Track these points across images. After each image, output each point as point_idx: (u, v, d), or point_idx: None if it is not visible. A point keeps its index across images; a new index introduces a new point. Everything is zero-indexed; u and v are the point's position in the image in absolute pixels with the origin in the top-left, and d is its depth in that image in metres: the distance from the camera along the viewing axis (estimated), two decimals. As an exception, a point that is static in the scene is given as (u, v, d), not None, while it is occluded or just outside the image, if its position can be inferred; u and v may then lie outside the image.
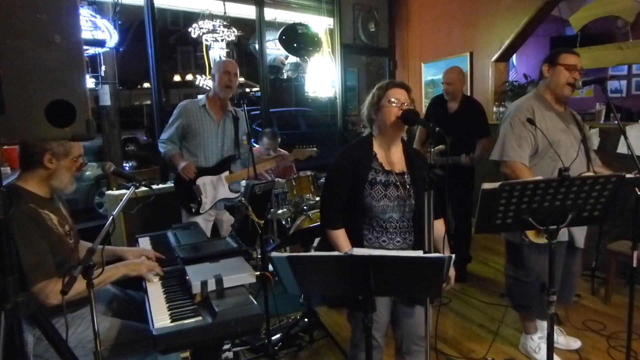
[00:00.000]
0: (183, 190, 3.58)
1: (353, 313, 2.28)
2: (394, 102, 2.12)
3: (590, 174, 2.72)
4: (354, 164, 2.16)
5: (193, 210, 3.56)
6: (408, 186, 2.18)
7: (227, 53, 5.29)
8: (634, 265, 2.46)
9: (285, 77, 6.54)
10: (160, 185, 4.50)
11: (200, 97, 3.71)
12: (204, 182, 3.55)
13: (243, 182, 4.44)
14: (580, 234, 2.80)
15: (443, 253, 2.17)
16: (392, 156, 2.22)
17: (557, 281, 2.40)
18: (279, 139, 4.77)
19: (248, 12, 5.72)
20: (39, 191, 2.09)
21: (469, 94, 5.84)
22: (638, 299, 3.27)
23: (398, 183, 2.16)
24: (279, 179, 4.47)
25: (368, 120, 2.24)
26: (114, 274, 2.15)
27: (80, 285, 1.70)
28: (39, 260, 1.93)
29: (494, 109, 5.60)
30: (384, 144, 2.21)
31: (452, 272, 2.16)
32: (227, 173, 3.62)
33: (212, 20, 5.06)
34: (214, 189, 3.58)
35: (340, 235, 2.16)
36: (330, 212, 2.20)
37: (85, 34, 3.95)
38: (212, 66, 3.60)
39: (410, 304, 2.24)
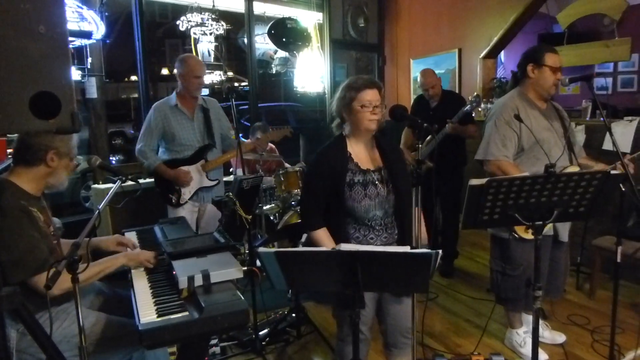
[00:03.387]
0: (162, 183, 3.58)
1: (339, 308, 2.28)
2: (366, 105, 2.10)
3: (575, 168, 2.75)
4: (330, 167, 2.15)
5: (173, 200, 3.57)
6: (386, 182, 2.18)
7: (216, 47, 5.25)
8: (618, 260, 2.49)
9: (274, 71, 6.51)
10: (147, 180, 4.46)
11: (171, 96, 3.64)
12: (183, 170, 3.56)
13: (228, 177, 4.43)
14: (563, 227, 2.84)
15: (419, 237, 2.17)
16: (366, 153, 2.22)
17: (543, 275, 2.43)
18: (270, 135, 4.74)
19: (237, 5, 5.68)
20: (29, 188, 2.07)
21: (457, 90, 5.88)
22: (622, 293, 3.33)
23: (376, 181, 2.16)
24: (269, 177, 4.45)
25: (340, 116, 2.22)
26: (113, 264, 2.15)
27: (84, 274, 1.70)
28: (32, 249, 1.92)
29: (482, 105, 5.62)
30: (358, 142, 2.22)
31: (424, 234, 2.21)
32: (203, 161, 3.63)
33: (201, 14, 5.01)
34: (192, 179, 3.58)
35: (322, 235, 2.16)
36: (309, 215, 2.21)
37: (72, 26, 3.89)
38: (177, 64, 3.47)
39: (397, 295, 2.25)
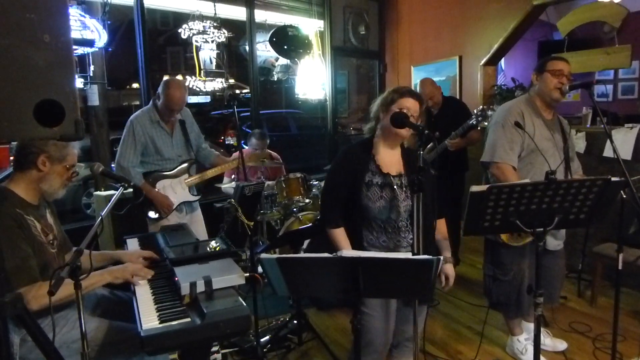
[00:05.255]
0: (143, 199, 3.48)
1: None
2: (404, 110, 2.16)
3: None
4: (352, 165, 2.22)
5: (153, 216, 3.47)
6: (405, 188, 2.22)
7: (218, 54, 5.28)
8: (620, 267, 2.49)
9: (275, 79, 6.53)
10: (149, 187, 4.46)
11: (149, 108, 3.51)
12: (163, 185, 3.49)
13: (229, 184, 4.43)
14: (552, 236, 2.84)
15: (443, 254, 2.25)
16: (390, 158, 2.26)
17: (532, 280, 2.42)
18: (268, 140, 4.76)
19: (238, 13, 5.71)
20: (26, 196, 2.07)
21: (457, 97, 5.89)
22: (623, 301, 3.32)
23: (394, 185, 2.20)
24: (269, 182, 4.46)
25: (375, 117, 2.29)
26: (98, 282, 2.11)
27: (64, 290, 1.69)
28: (22, 264, 1.90)
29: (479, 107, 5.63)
30: (385, 145, 2.26)
31: (451, 272, 2.24)
32: (186, 176, 3.59)
33: (202, 21, 5.04)
34: (174, 193, 3.53)
35: (339, 234, 2.22)
36: (329, 211, 2.27)
37: (74, 34, 3.92)
38: (161, 85, 3.39)
39: (409, 303, 2.27)
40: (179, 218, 3.60)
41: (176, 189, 3.55)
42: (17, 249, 1.91)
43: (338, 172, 2.30)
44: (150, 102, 3.53)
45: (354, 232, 2.23)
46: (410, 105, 2.17)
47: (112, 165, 4.61)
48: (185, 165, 3.60)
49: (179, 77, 4.92)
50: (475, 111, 4.04)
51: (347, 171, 2.23)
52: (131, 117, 3.48)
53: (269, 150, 4.85)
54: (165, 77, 3.52)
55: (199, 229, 3.75)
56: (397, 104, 2.18)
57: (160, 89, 3.42)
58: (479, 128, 4.20)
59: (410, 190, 2.20)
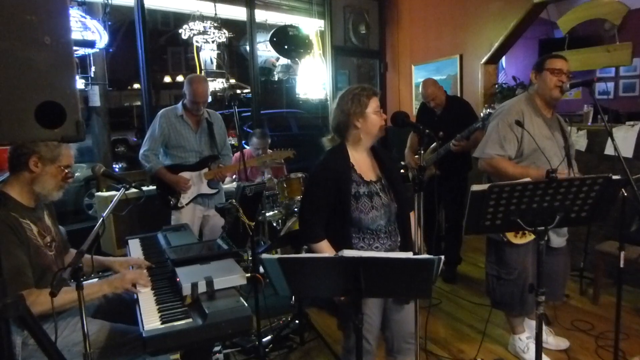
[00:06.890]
0: (162, 185, 3.69)
1: (344, 319, 2.28)
2: (377, 112, 2.16)
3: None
4: (334, 177, 2.12)
5: (171, 203, 3.67)
6: (387, 191, 2.21)
7: (218, 54, 5.28)
8: (622, 265, 2.49)
9: (276, 78, 6.54)
10: (150, 187, 4.47)
11: (177, 105, 3.77)
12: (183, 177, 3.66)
13: (231, 184, 4.46)
14: (556, 234, 2.84)
15: (420, 242, 2.19)
16: (365, 163, 2.23)
17: (535, 278, 2.42)
18: (269, 140, 4.75)
19: (239, 13, 5.71)
20: (22, 199, 2.06)
21: (459, 96, 5.88)
22: (626, 299, 3.32)
23: (380, 191, 2.18)
24: (274, 178, 4.45)
25: (346, 126, 2.19)
26: (96, 293, 2.07)
27: (64, 297, 1.68)
28: (16, 272, 1.88)
29: (484, 110, 5.62)
30: (359, 151, 2.23)
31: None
32: (206, 170, 3.75)
33: (203, 22, 5.05)
34: (193, 185, 3.69)
35: (324, 247, 2.14)
36: (311, 226, 2.17)
37: (75, 35, 3.93)
38: (185, 82, 3.58)
39: (399, 302, 2.26)
40: (200, 211, 3.79)
41: (196, 182, 3.71)
42: (11, 256, 1.88)
43: (319, 187, 2.16)
44: (180, 102, 3.76)
45: (344, 242, 2.13)
46: (378, 104, 2.18)
47: (114, 165, 4.61)
48: (206, 160, 3.75)
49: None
50: (482, 114, 4.03)
51: (329, 183, 2.11)
52: (160, 110, 3.76)
53: (271, 150, 4.84)
54: (189, 74, 3.82)
55: (219, 225, 3.81)
56: (370, 107, 2.15)
57: (184, 88, 3.64)
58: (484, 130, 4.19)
59: (399, 188, 2.23)
